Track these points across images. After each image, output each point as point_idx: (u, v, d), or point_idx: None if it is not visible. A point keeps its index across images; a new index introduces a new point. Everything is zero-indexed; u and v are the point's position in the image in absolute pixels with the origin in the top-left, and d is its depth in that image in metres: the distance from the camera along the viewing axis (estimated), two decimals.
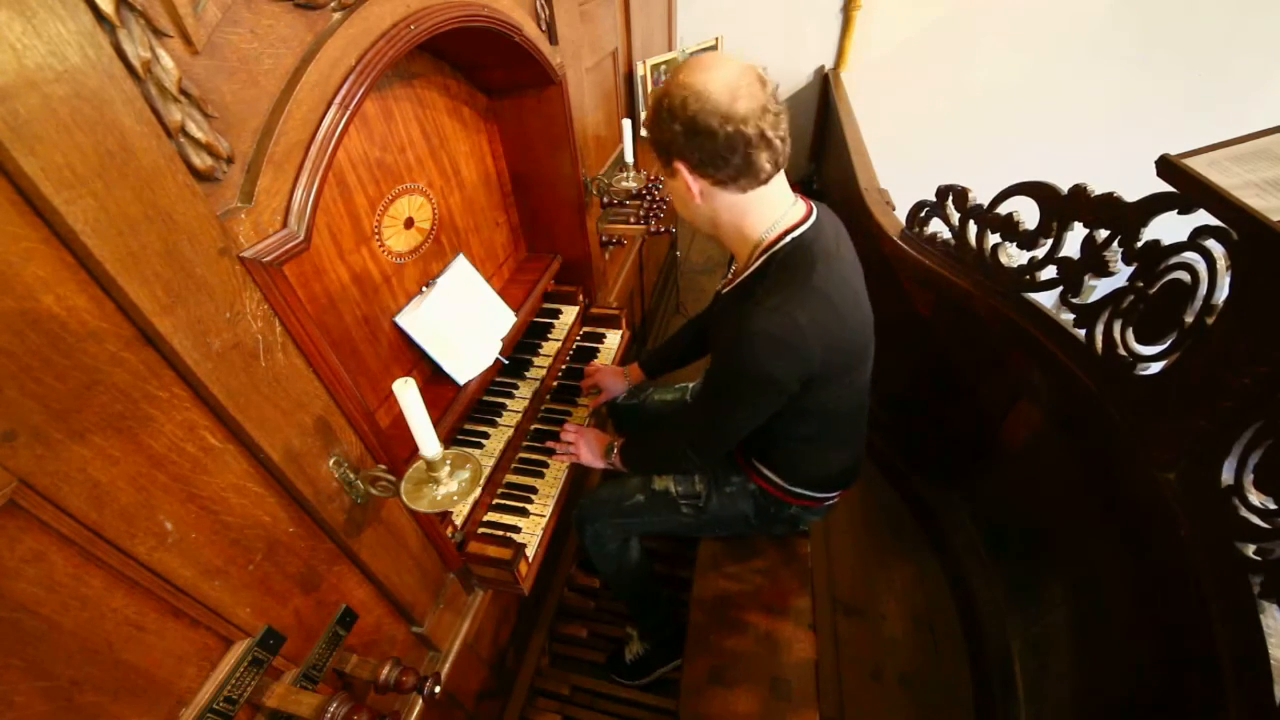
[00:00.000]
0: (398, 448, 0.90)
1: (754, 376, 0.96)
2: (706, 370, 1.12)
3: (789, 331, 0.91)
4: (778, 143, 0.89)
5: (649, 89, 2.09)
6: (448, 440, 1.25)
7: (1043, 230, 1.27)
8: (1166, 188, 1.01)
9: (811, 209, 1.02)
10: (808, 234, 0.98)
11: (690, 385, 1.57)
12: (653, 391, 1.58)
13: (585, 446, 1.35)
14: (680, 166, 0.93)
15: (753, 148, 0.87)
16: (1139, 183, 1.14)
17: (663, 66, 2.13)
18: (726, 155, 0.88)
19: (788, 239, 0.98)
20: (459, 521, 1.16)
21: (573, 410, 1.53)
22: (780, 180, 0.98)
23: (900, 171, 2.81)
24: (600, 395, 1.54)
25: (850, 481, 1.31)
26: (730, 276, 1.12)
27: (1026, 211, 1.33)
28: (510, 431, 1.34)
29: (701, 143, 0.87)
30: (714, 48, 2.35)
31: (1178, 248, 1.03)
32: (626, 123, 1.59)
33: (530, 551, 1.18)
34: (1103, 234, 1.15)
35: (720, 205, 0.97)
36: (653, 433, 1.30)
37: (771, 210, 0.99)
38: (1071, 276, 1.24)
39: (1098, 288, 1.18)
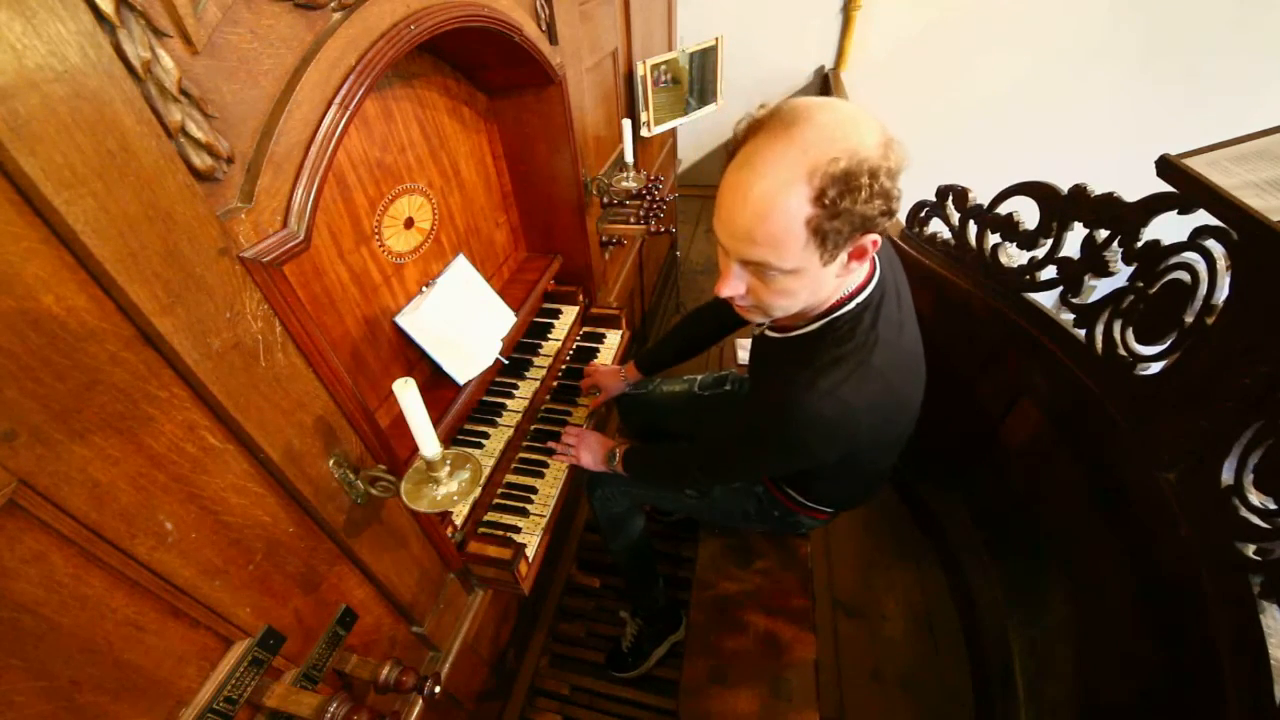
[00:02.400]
0: (398, 448, 0.90)
1: (791, 444, 0.90)
2: (744, 408, 1.06)
3: (841, 416, 0.84)
4: None
5: (649, 89, 2.08)
6: (448, 440, 1.25)
7: (1043, 230, 1.27)
8: (1166, 188, 1.01)
9: (875, 263, 0.91)
10: (873, 295, 0.89)
11: (699, 378, 1.57)
12: (660, 383, 1.58)
13: (586, 450, 1.34)
14: (870, 240, 0.77)
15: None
16: (1139, 183, 1.14)
17: (663, 66, 2.12)
18: (884, 219, 0.75)
19: (853, 303, 0.88)
20: (459, 521, 1.16)
21: (573, 410, 1.53)
22: None
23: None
24: (600, 395, 1.55)
25: (866, 500, 1.32)
26: (772, 322, 1.00)
27: (1026, 211, 1.33)
28: (510, 431, 1.34)
29: (886, 209, 0.73)
30: (714, 48, 2.35)
31: (1178, 248, 1.03)
32: (626, 123, 1.59)
33: (530, 551, 1.17)
34: (1103, 234, 1.15)
35: (847, 273, 0.84)
36: (660, 446, 1.29)
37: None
38: (1071, 276, 1.25)
39: (1098, 288, 1.18)
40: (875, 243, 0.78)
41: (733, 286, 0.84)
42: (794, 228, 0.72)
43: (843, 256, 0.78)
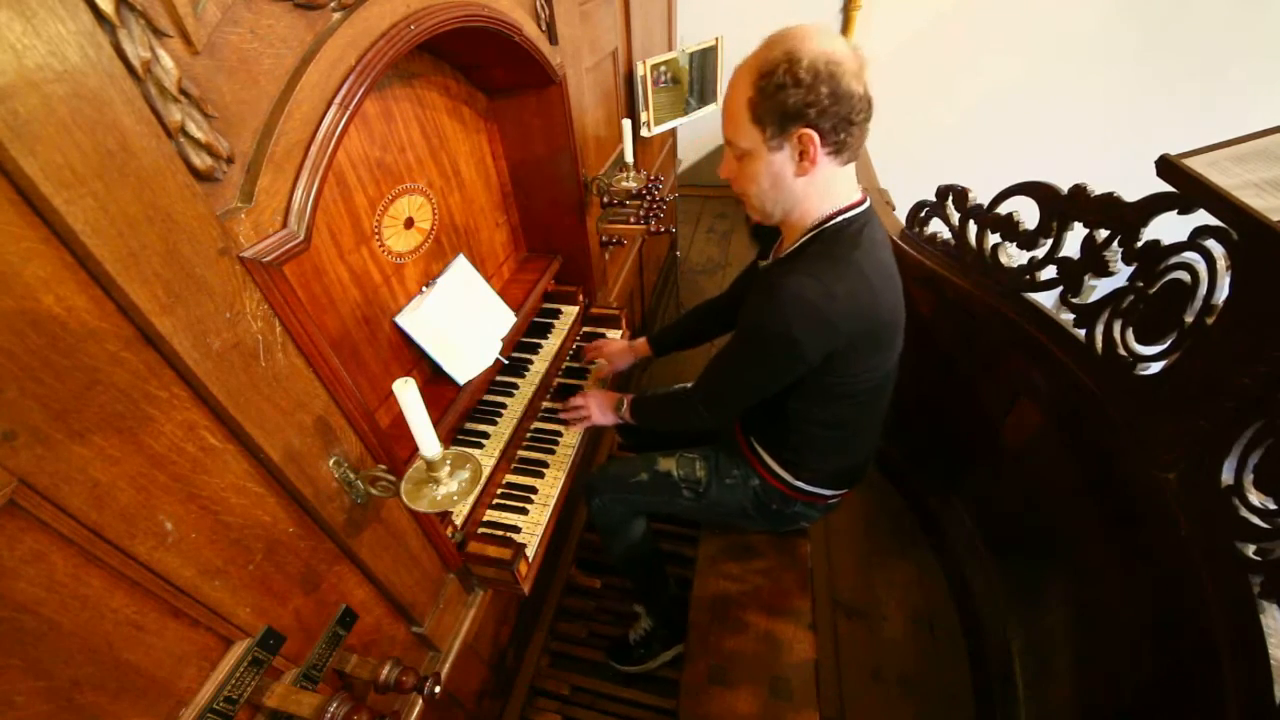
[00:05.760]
0: (398, 448, 0.90)
1: (778, 338, 0.96)
2: (734, 332, 1.12)
3: (821, 299, 0.92)
4: None
5: (649, 89, 2.08)
6: (448, 440, 1.25)
7: (1043, 230, 1.27)
8: (1166, 188, 1.01)
9: (867, 196, 1.02)
10: (860, 216, 0.99)
11: (686, 385, 1.57)
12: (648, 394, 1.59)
13: (595, 406, 1.40)
14: (809, 134, 0.88)
15: (870, 116, 0.90)
16: (1139, 183, 1.14)
17: (663, 66, 2.12)
18: (855, 120, 0.88)
19: (840, 218, 0.99)
20: (459, 521, 1.16)
21: None
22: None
23: (900, 171, 2.82)
24: (607, 368, 1.58)
25: (856, 480, 1.32)
26: (773, 255, 1.14)
27: (1026, 211, 1.33)
28: (510, 431, 1.34)
29: (840, 107, 0.86)
30: (714, 48, 2.35)
31: (1178, 248, 1.03)
32: (626, 123, 1.59)
33: (530, 551, 1.17)
34: (1103, 234, 1.15)
35: (817, 179, 0.95)
36: (664, 389, 1.34)
37: (843, 187, 0.99)
38: (1071, 276, 1.24)
39: (1098, 288, 1.18)
40: (811, 139, 0.89)
41: (724, 167, 1.02)
42: (741, 106, 0.91)
43: (788, 150, 0.92)
